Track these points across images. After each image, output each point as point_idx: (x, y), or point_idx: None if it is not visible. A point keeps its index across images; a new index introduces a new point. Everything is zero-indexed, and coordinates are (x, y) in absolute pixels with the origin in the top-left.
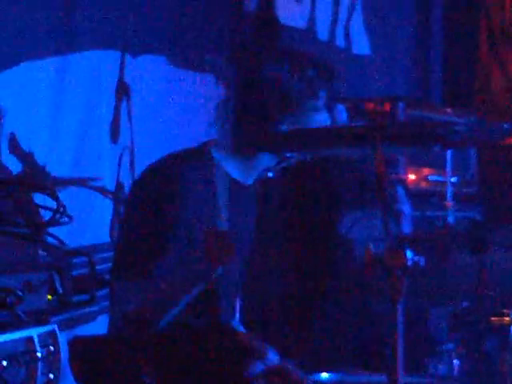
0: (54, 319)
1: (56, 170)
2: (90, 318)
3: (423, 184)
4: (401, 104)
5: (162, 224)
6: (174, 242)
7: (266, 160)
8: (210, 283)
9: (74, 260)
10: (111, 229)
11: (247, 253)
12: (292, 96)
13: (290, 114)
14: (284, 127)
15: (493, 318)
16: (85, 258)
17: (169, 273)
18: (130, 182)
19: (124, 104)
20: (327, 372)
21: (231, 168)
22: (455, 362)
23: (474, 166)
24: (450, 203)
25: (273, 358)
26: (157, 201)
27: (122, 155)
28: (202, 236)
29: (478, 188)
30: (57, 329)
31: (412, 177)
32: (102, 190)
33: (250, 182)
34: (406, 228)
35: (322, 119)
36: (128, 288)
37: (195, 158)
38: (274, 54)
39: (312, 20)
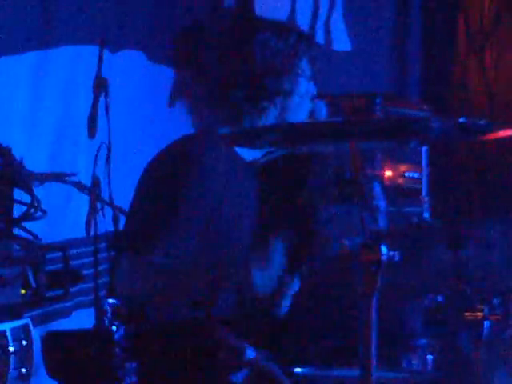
0: (27, 314)
1: (32, 164)
2: (64, 313)
3: (399, 180)
4: (378, 100)
5: (178, 204)
6: (191, 222)
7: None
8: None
9: (49, 255)
10: (87, 224)
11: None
12: (278, 60)
13: (276, 78)
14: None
15: (467, 314)
16: (59, 253)
17: (185, 255)
18: (107, 177)
19: (102, 99)
20: (300, 367)
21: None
22: (429, 356)
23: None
24: (425, 199)
25: (250, 354)
26: (175, 180)
27: (98, 150)
28: (221, 220)
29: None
30: (30, 323)
31: (388, 173)
32: (78, 185)
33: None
34: (382, 223)
35: (304, 83)
36: (136, 262)
37: (205, 139)
38: (256, 24)
39: (292, 16)
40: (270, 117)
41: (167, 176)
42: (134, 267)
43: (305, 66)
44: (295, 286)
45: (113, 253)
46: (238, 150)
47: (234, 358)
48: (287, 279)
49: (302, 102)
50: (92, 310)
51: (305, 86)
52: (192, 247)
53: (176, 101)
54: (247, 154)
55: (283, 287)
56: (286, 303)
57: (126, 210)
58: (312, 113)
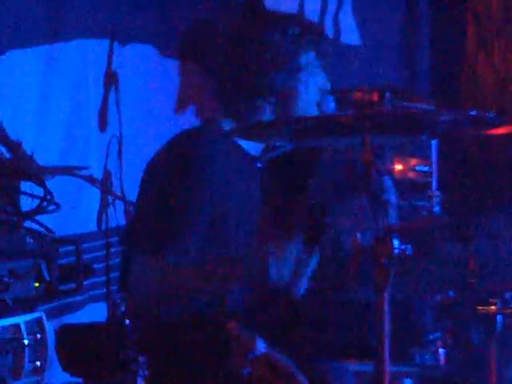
0: (41, 307)
1: (44, 158)
2: (76, 306)
3: (410, 174)
4: (388, 94)
5: (182, 201)
6: (196, 220)
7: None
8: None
9: (61, 248)
10: (98, 218)
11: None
12: (276, 55)
13: (276, 74)
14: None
15: (479, 307)
16: (72, 247)
17: (195, 252)
18: (118, 170)
19: (112, 93)
20: (315, 361)
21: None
22: (441, 351)
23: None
24: (435, 193)
25: (261, 347)
26: (177, 177)
27: (109, 144)
28: (226, 216)
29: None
30: (44, 316)
31: (399, 167)
32: (90, 179)
33: (258, 152)
34: (393, 218)
35: (306, 79)
36: (149, 263)
37: (208, 132)
38: (256, 18)
39: (301, 10)
40: (271, 112)
41: (170, 174)
42: (147, 269)
43: (310, 59)
44: (312, 263)
45: (124, 247)
46: (243, 143)
47: (245, 352)
48: (304, 258)
49: (307, 97)
50: (104, 304)
51: (309, 81)
52: (201, 243)
53: (184, 97)
54: (253, 147)
55: (299, 267)
56: (303, 282)
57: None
58: (320, 105)
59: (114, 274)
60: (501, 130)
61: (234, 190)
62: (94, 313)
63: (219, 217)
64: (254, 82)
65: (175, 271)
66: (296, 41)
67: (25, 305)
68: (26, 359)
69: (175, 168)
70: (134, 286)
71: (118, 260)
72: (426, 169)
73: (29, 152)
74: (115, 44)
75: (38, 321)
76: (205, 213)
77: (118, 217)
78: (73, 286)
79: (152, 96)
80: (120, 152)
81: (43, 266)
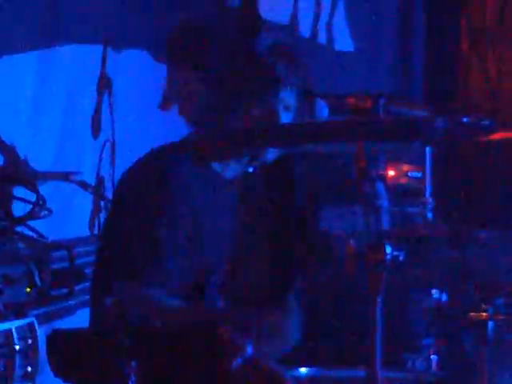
0: (32, 313)
1: (37, 163)
2: (68, 312)
3: (403, 180)
4: (382, 100)
5: (155, 224)
6: (170, 241)
7: (248, 154)
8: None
9: (53, 253)
10: (91, 223)
11: (229, 251)
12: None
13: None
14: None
15: (471, 314)
16: (64, 252)
17: (167, 278)
18: (111, 176)
19: (106, 98)
20: (305, 367)
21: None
22: (433, 356)
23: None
24: (428, 199)
25: (250, 350)
26: (148, 198)
27: (103, 149)
28: (200, 235)
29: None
30: (35, 322)
31: (392, 173)
32: (83, 184)
33: (231, 176)
34: (386, 224)
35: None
36: (132, 295)
37: (181, 151)
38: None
39: (294, 16)
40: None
41: (140, 199)
42: (130, 299)
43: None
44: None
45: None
46: (219, 167)
47: (234, 354)
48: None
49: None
50: None
51: (287, 99)
52: (178, 268)
53: (170, 101)
54: (228, 171)
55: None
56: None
57: None
58: (310, 116)
59: None
60: (495, 136)
61: (206, 210)
62: (86, 318)
63: (194, 237)
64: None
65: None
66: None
67: (16, 310)
68: (17, 365)
69: (143, 194)
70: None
71: None
72: (419, 175)
73: (22, 157)
74: (109, 49)
75: (30, 326)
76: (181, 232)
77: None
78: (65, 291)
79: (146, 102)
80: (113, 157)
81: (35, 271)
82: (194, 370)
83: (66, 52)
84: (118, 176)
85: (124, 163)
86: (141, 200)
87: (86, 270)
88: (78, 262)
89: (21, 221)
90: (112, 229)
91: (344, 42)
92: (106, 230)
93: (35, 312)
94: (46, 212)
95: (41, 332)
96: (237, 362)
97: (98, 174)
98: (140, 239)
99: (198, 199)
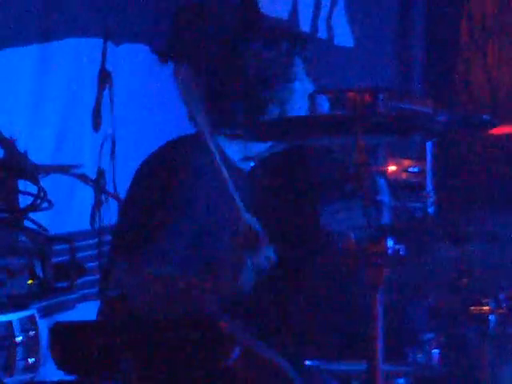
0: (33, 306)
1: (37, 156)
2: (69, 305)
3: (403, 175)
4: (381, 94)
5: (168, 211)
6: (181, 230)
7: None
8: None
9: (55, 247)
10: (92, 216)
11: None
12: (271, 70)
13: (270, 88)
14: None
15: (472, 308)
16: (65, 245)
17: (176, 263)
18: (111, 169)
19: (106, 92)
20: (308, 360)
21: (231, 152)
22: (435, 351)
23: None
24: (429, 194)
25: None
26: (162, 188)
27: (103, 143)
28: (212, 226)
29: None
30: (36, 314)
31: (392, 168)
32: (83, 177)
33: (248, 167)
34: (387, 218)
35: (299, 87)
36: (132, 274)
37: (196, 143)
38: (249, 34)
39: (294, 11)
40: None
41: (155, 184)
42: (130, 280)
43: (298, 68)
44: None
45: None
46: (227, 151)
47: (232, 346)
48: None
49: (299, 105)
50: (96, 303)
51: (301, 89)
52: (185, 252)
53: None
54: (237, 154)
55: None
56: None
57: None
58: (310, 110)
59: None
60: (495, 131)
61: (217, 199)
62: (87, 312)
63: (205, 229)
64: (254, 95)
65: (155, 281)
66: (287, 54)
67: (18, 302)
68: (19, 356)
69: (158, 181)
70: (115, 288)
71: None
72: (420, 170)
73: (22, 150)
74: (109, 43)
75: (31, 318)
76: (190, 221)
77: (111, 215)
78: (66, 284)
79: (146, 96)
80: (113, 151)
81: (36, 264)
82: (192, 363)
83: (66, 46)
84: (118, 169)
85: (124, 156)
86: (153, 183)
87: (88, 264)
88: (79, 255)
89: (22, 213)
90: (126, 205)
91: (344, 38)
92: (124, 203)
93: (36, 305)
94: (47, 204)
95: (42, 324)
96: (235, 354)
97: (98, 167)
98: (152, 210)
99: (208, 188)
